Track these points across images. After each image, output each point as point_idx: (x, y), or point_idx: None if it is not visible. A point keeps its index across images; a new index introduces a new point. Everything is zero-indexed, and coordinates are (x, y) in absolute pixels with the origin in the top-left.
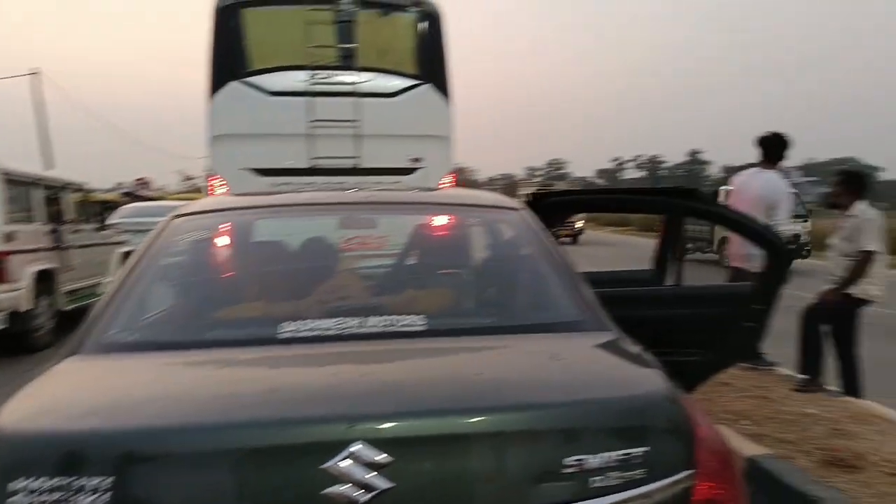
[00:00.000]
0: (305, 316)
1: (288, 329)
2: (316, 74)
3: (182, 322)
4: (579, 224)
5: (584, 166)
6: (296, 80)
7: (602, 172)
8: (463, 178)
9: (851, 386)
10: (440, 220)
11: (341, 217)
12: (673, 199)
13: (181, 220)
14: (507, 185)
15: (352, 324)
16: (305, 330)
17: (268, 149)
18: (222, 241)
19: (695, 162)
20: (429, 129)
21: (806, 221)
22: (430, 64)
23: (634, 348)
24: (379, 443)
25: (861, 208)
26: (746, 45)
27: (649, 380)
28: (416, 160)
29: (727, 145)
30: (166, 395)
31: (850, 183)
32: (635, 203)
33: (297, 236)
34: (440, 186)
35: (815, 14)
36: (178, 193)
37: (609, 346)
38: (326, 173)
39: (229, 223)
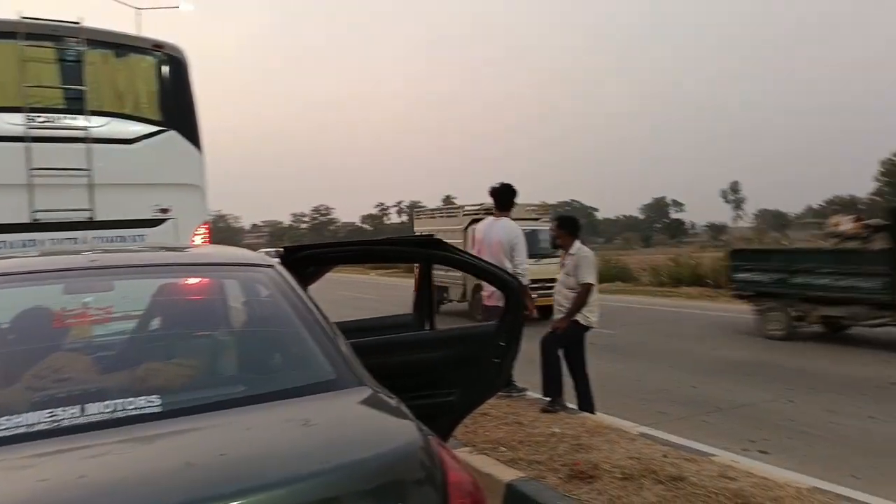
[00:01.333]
0: (8, 410)
1: None
2: (36, 117)
3: None
4: None
5: (350, 212)
6: (10, 122)
7: (367, 218)
8: (225, 226)
9: (586, 402)
10: (185, 282)
11: (66, 283)
12: (417, 249)
13: None
14: (273, 232)
15: (66, 414)
16: (3, 429)
17: None
18: None
19: (449, 206)
20: (176, 177)
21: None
22: (174, 109)
23: (389, 401)
24: None
25: (578, 247)
26: (497, 104)
27: (402, 433)
28: (164, 210)
29: (475, 190)
30: None
31: (566, 227)
32: (384, 253)
33: (6, 310)
34: (193, 237)
35: (540, 79)
36: None
37: (364, 403)
38: (54, 228)
39: None
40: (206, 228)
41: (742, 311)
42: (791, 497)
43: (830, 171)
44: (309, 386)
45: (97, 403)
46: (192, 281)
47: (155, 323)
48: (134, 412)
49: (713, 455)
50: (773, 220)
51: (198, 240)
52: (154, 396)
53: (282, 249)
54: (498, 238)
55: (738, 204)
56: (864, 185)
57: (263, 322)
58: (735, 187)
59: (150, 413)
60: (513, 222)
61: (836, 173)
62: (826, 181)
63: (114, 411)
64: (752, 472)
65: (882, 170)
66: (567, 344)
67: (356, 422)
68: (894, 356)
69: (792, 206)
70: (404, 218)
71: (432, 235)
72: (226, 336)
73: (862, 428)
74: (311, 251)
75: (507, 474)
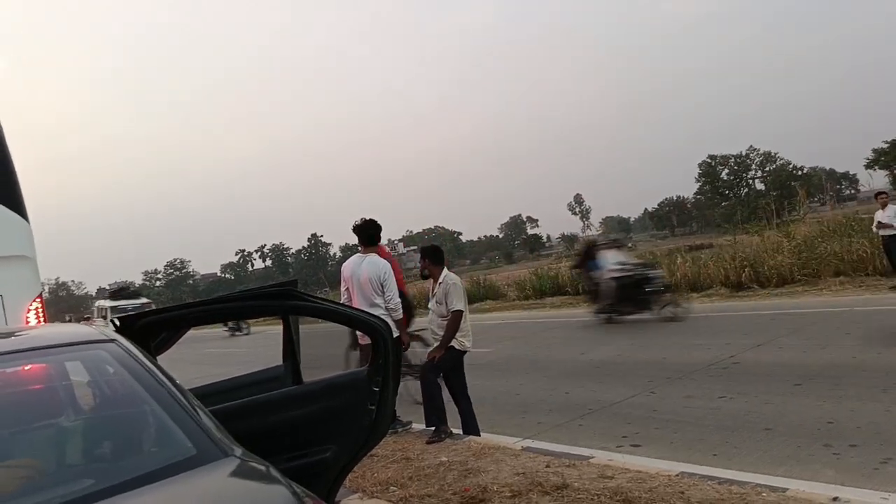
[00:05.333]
0: None
1: None
2: None
3: None
4: None
5: (208, 263)
6: None
7: (228, 267)
8: (66, 294)
9: (470, 425)
10: (16, 372)
11: None
12: (273, 301)
13: None
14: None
15: None
16: None
17: None
18: None
19: (317, 245)
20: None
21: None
22: None
23: (259, 468)
24: None
25: (445, 274)
26: (356, 144)
27: (273, 502)
28: None
29: (342, 227)
30: None
31: (430, 256)
32: (238, 310)
33: None
34: (26, 314)
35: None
36: None
37: (232, 475)
38: None
39: None
40: (41, 301)
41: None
42: (663, 486)
43: (660, 175)
44: (169, 467)
45: None
46: (26, 368)
47: None
48: None
49: (591, 458)
50: (618, 225)
51: (31, 316)
52: None
53: (116, 322)
54: (367, 275)
55: (584, 214)
56: (689, 187)
57: (112, 403)
58: (579, 199)
59: None
60: (380, 258)
61: (666, 177)
62: (658, 186)
63: None
64: (627, 468)
65: (700, 171)
66: (446, 371)
67: (224, 498)
68: (730, 335)
69: (631, 211)
70: (269, 263)
71: (291, 281)
72: (70, 425)
73: (715, 408)
74: (149, 318)
75: None
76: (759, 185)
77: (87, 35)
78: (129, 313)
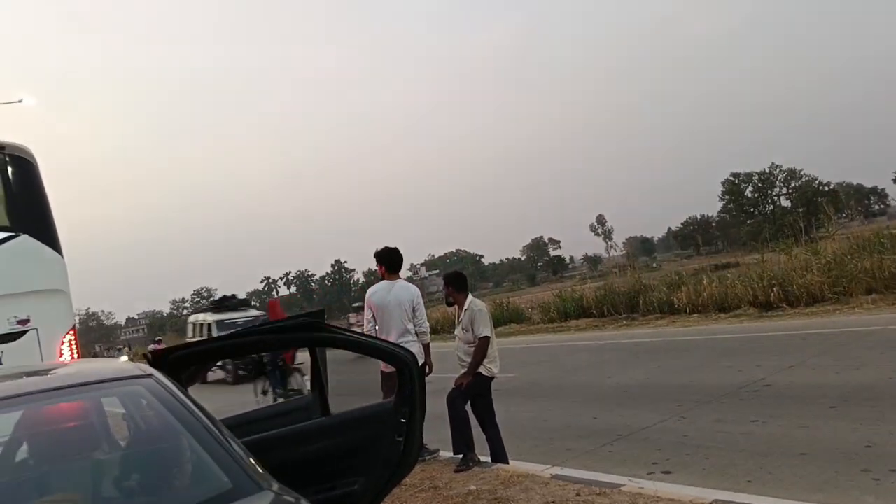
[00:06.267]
0: None
1: None
2: None
3: None
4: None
5: (234, 290)
6: None
7: (253, 294)
8: (96, 325)
9: (499, 452)
10: (55, 408)
11: None
12: (300, 334)
13: None
14: (151, 324)
15: None
16: None
17: None
18: None
19: (341, 271)
20: (33, 283)
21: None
22: (24, 213)
23: (292, 501)
24: None
25: (470, 300)
26: (378, 167)
27: None
28: (23, 322)
29: (366, 253)
30: None
31: (454, 283)
32: (265, 343)
33: None
34: (60, 347)
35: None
36: None
37: None
38: None
39: None
40: (74, 335)
41: (628, 335)
42: None
43: (682, 194)
44: (206, 502)
45: None
46: (63, 405)
47: (22, 456)
48: None
49: (622, 485)
50: (641, 246)
51: (65, 348)
52: None
53: (148, 355)
54: (398, 300)
55: (607, 235)
56: (713, 205)
57: (149, 439)
58: (601, 219)
59: None
60: (409, 283)
61: (689, 196)
62: (682, 205)
63: None
64: (658, 497)
65: (724, 189)
66: (473, 397)
67: None
68: (760, 357)
69: (655, 230)
70: (293, 289)
71: (318, 312)
72: (108, 459)
73: (747, 432)
74: (179, 353)
75: None
76: (785, 202)
77: (119, 71)
78: (159, 349)
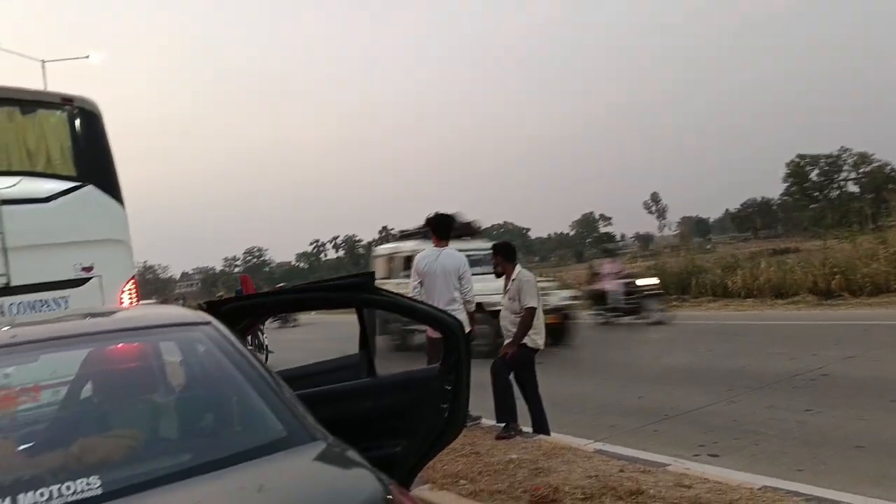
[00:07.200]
0: None
1: None
2: None
3: None
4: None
5: (284, 252)
6: None
7: (302, 256)
8: (153, 277)
9: (541, 424)
10: (117, 349)
11: None
12: (348, 293)
13: None
14: (205, 279)
15: None
16: None
17: None
18: None
19: (387, 237)
20: (98, 233)
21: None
22: (90, 164)
23: (345, 453)
24: None
25: (518, 271)
26: (424, 140)
27: (363, 488)
28: (87, 269)
29: (411, 220)
30: None
31: (503, 253)
32: (315, 300)
33: None
34: (121, 294)
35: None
36: None
37: (319, 459)
38: None
39: None
40: (134, 283)
41: (679, 316)
42: (745, 499)
43: (742, 175)
44: (261, 447)
45: (30, 493)
46: (125, 347)
47: (86, 394)
48: (73, 498)
49: (667, 464)
50: (696, 226)
51: (125, 296)
52: (93, 476)
53: (204, 304)
54: (445, 268)
55: (661, 213)
56: (775, 188)
57: (206, 383)
58: (656, 198)
59: (92, 497)
60: (457, 251)
61: (748, 177)
62: (739, 185)
63: (49, 499)
64: (706, 478)
65: (787, 171)
66: (517, 368)
67: (314, 481)
68: (817, 345)
69: (711, 211)
70: (341, 253)
71: (368, 273)
72: (167, 401)
73: (801, 421)
74: (233, 305)
75: None
76: (853, 188)
77: (189, 35)
78: (215, 299)
